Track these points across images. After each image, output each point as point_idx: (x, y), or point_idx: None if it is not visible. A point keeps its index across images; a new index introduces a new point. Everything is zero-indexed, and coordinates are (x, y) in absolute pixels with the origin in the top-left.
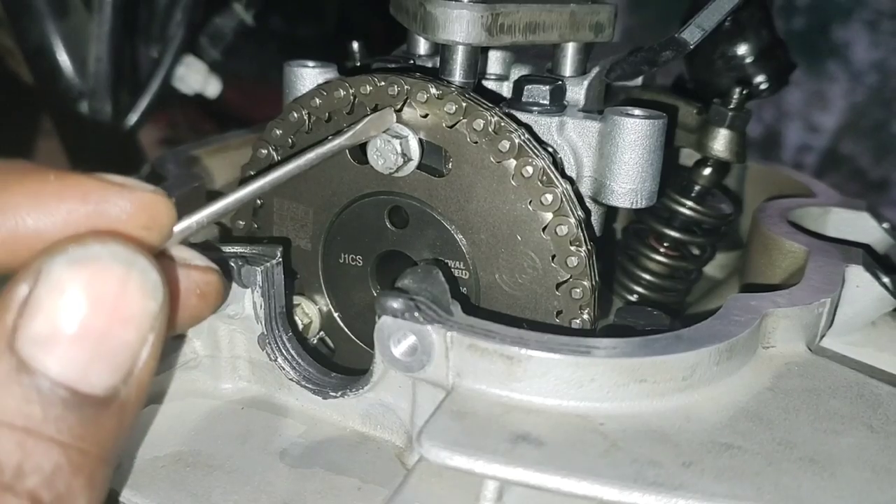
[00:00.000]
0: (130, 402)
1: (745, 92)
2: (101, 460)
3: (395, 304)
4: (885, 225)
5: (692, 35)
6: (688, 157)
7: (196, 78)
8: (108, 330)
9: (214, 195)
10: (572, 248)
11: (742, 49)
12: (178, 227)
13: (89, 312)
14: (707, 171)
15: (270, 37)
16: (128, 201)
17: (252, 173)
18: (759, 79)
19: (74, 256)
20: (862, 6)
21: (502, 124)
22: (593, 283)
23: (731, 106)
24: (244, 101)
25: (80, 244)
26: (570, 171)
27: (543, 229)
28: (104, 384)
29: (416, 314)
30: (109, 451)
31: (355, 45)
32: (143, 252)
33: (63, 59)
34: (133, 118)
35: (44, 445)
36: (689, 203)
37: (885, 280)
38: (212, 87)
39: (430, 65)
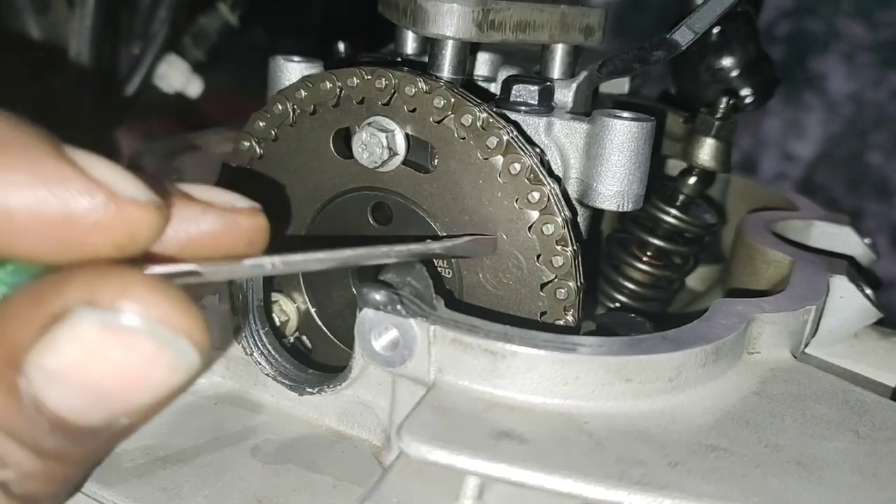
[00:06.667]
0: (123, 431)
1: (731, 101)
2: (78, 470)
3: (378, 296)
4: (867, 240)
5: (683, 36)
6: (674, 168)
7: (178, 77)
8: (122, 394)
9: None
10: (558, 248)
11: (728, 61)
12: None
13: (108, 377)
14: (692, 180)
15: (251, 49)
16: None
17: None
18: (745, 92)
19: (108, 321)
20: (839, 38)
21: (490, 120)
22: (578, 284)
23: (718, 115)
24: (222, 112)
25: (119, 308)
26: (557, 172)
27: (529, 228)
28: (100, 422)
29: (399, 307)
30: (88, 464)
31: (341, 46)
32: (190, 329)
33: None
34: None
35: (22, 450)
36: (674, 212)
37: (868, 292)
38: (193, 87)
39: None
